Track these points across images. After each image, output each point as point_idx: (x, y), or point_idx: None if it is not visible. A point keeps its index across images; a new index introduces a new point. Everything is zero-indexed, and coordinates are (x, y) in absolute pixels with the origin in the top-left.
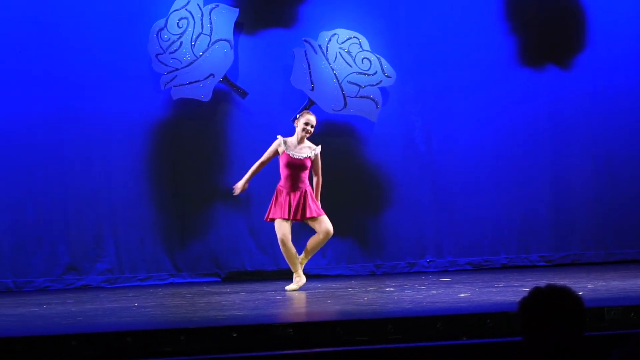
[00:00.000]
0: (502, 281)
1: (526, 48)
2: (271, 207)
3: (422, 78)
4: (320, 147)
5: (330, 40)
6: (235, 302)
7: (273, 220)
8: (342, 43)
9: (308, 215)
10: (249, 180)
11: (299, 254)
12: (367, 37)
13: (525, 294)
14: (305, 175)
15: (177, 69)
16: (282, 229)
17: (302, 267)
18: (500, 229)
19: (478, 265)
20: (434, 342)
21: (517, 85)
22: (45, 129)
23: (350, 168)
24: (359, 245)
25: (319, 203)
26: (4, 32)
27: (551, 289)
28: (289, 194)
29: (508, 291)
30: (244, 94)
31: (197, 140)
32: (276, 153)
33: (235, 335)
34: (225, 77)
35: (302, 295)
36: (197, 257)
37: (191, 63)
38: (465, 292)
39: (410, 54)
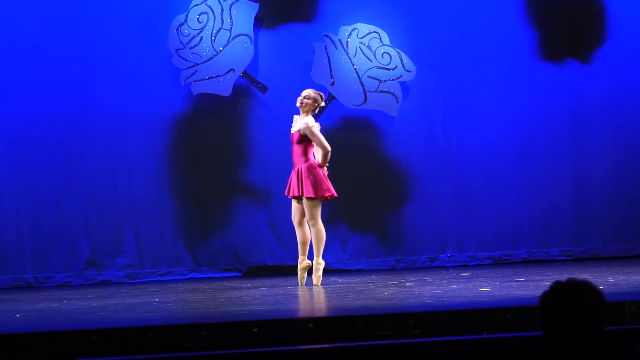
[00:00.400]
0: (523, 276)
1: (546, 42)
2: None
3: (442, 73)
4: (312, 119)
5: (350, 34)
6: (256, 297)
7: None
8: (362, 38)
9: (290, 194)
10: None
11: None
12: (387, 32)
13: (546, 289)
14: (298, 151)
15: (197, 64)
16: (292, 208)
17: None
18: (521, 223)
19: (498, 260)
20: (455, 336)
21: (537, 79)
22: (66, 125)
23: (370, 163)
24: (380, 240)
25: (325, 181)
26: (25, 30)
27: (572, 283)
28: (293, 170)
29: (528, 286)
30: (264, 88)
31: (217, 136)
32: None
33: (255, 330)
34: (245, 72)
35: (322, 290)
36: (217, 252)
37: (211, 58)
38: (485, 287)
39: (431, 49)
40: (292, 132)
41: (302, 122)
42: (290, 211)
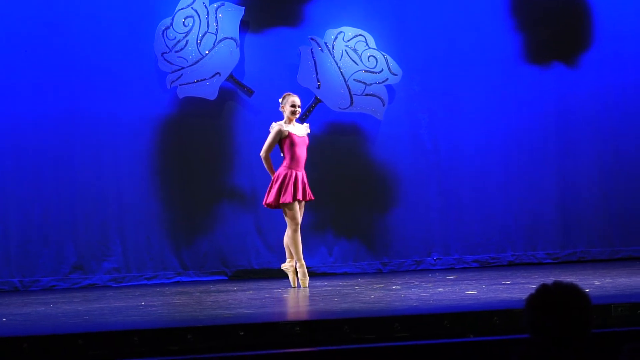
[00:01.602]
0: (509, 278)
1: (532, 45)
2: (283, 190)
3: (428, 76)
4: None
5: (336, 38)
6: (242, 300)
7: (285, 203)
8: (348, 41)
9: (309, 197)
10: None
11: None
12: (373, 35)
13: (533, 292)
14: (305, 155)
15: (183, 68)
16: (298, 211)
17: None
18: (507, 226)
19: (485, 263)
20: (441, 339)
21: (523, 82)
22: (52, 129)
23: (356, 166)
24: (366, 244)
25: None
26: (11, 35)
27: (558, 286)
28: (295, 173)
29: (515, 288)
30: (250, 92)
31: (204, 139)
32: (279, 136)
33: (242, 333)
34: (231, 76)
35: (308, 293)
36: (203, 256)
37: (197, 62)
38: (472, 290)
39: (416, 52)
40: (301, 135)
41: (304, 126)
42: (275, 215)
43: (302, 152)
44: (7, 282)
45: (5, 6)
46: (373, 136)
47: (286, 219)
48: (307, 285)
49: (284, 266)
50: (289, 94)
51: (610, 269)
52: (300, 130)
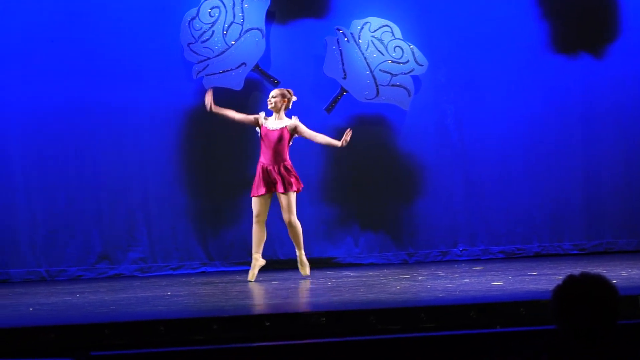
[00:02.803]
0: (535, 269)
1: (559, 34)
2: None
3: (454, 66)
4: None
5: (362, 28)
6: (268, 290)
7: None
8: (375, 31)
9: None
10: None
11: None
12: (399, 25)
13: (560, 282)
14: (282, 148)
15: (209, 58)
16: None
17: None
18: (533, 217)
19: (511, 254)
20: (467, 330)
21: (549, 72)
22: (78, 119)
23: (382, 157)
24: (392, 234)
25: None
26: (37, 25)
27: (585, 277)
28: (262, 168)
29: (541, 279)
30: (276, 82)
31: (229, 129)
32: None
33: (268, 323)
34: (257, 66)
35: (334, 283)
36: (229, 246)
37: (223, 52)
38: (498, 281)
39: (442, 42)
40: (272, 129)
41: (284, 120)
42: (299, 206)
43: (268, 146)
44: (34, 272)
45: None
46: (399, 127)
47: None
48: (251, 279)
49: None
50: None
51: (637, 260)
52: (275, 124)
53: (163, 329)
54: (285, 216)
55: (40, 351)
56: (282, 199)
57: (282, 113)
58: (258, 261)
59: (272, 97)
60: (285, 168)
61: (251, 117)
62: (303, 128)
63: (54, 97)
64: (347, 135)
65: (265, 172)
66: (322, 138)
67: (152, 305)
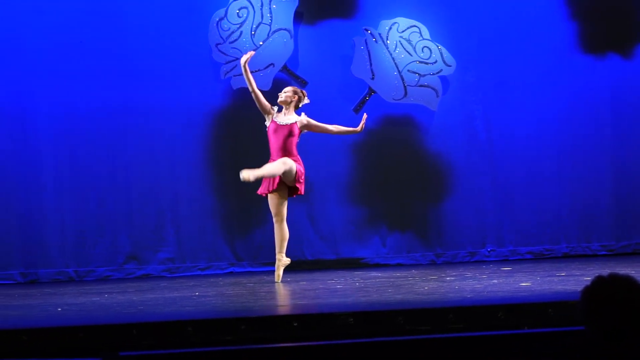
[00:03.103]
0: (564, 270)
1: (587, 35)
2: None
3: (482, 66)
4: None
5: (390, 29)
6: (296, 291)
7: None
8: (403, 32)
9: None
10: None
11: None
12: (427, 26)
13: (588, 283)
14: (291, 144)
15: (237, 59)
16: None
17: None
18: (562, 217)
19: (539, 255)
20: (495, 331)
21: (578, 72)
22: (107, 119)
23: (410, 157)
24: (420, 235)
25: None
26: (67, 25)
27: (614, 278)
28: None
29: (569, 280)
30: (304, 83)
31: (258, 130)
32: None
33: (296, 324)
34: (285, 67)
35: (362, 284)
36: (258, 246)
37: None
38: (526, 282)
39: (470, 42)
40: (281, 123)
41: (294, 116)
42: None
43: (276, 141)
44: (62, 272)
45: None
46: (427, 127)
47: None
48: (277, 280)
49: (285, 261)
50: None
51: None
52: (285, 119)
53: (191, 330)
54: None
55: (69, 351)
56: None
57: (292, 110)
58: (281, 261)
59: (284, 92)
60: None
61: (266, 103)
62: (314, 122)
63: (84, 98)
64: (363, 120)
65: None
66: (336, 128)
67: (180, 305)
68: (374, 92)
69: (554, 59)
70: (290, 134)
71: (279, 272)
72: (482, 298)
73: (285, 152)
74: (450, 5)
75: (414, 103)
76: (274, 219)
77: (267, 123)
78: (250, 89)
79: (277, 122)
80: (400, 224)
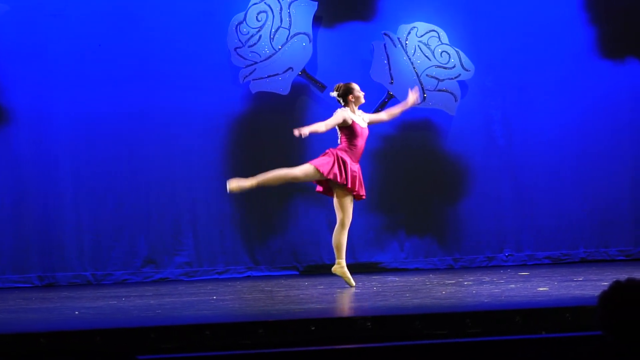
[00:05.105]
0: (581, 275)
1: (606, 40)
2: (340, 170)
3: (501, 71)
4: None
5: (409, 33)
6: (314, 295)
7: (341, 184)
8: (421, 36)
9: (363, 193)
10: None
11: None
12: (445, 31)
13: (606, 288)
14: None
15: (256, 63)
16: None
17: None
18: (580, 222)
19: (557, 260)
20: (513, 336)
21: (596, 77)
22: (126, 123)
23: (429, 162)
24: (438, 239)
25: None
26: (86, 29)
27: (632, 283)
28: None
29: (587, 285)
30: (322, 87)
31: (276, 134)
32: (344, 122)
33: (313, 328)
34: (304, 71)
35: (380, 288)
36: (276, 251)
37: (270, 56)
38: (544, 286)
39: (489, 47)
40: (363, 126)
41: (363, 115)
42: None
43: (361, 144)
44: (79, 275)
45: (81, 2)
46: (445, 132)
47: (340, 210)
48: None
49: (335, 269)
50: (349, 84)
51: None
52: (362, 121)
53: (209, 333)
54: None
55: (86, 355)
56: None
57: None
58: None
59: (359, 91)
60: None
61: (337, 120)
62: (372, 116)
63: (102, 101)
64: (414, 92)
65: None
66: (387, 115)
67: (197, 309)
68: (393, 96)
69: (572, 64)
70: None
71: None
72: (499, 303)
73: (360, 156)
74: (468, 10)
75: (433, 108)
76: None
77: (349, 126)
78: (325, 130)
79: (360, 125)
80: (418, 229)
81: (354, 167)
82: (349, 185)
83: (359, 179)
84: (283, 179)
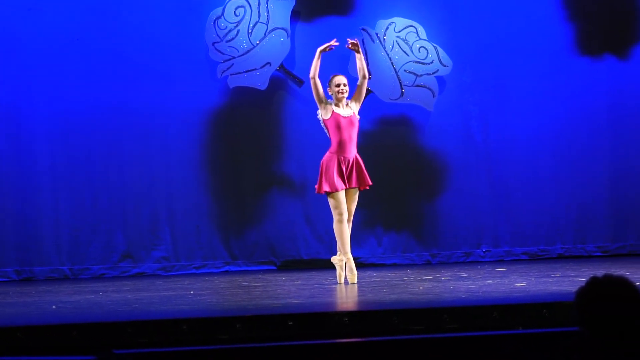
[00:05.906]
0: (559, 271)
1: (584, 36)
2: (326, 179)
3: (479, 67)
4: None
5: (387, 28)
6: (291, 290)
7: (330, 193)
8: (399, 32)
9: (357, 184)
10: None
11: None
12: (424, 26)
13: (582, 284)
14: (355, 137)
15: (233, 57)
16: (341, 200)
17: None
18: (557, 218)
19: (534, 255)
20: (490, 331)
21: (574, 74)
22: (103, 118)
23: (406, 157)
24: (415, 235)
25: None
26: (62, 24)
27: (608, 279)
28: (339, 159)
29: (564, 281)
30: (300, 82)
31: (254, 129)
32: (325, 103)
33: (290, 323)
34: (281, 66)
35: (358, 284)
36: (253, 245)
37: (248, 51)
38: (521, 282)
39: (467, 43)
40: (346, 116)
41: (352, 107)
42: (323, 205)
43: (348, 133)
44: (57, 269)
45: None
46: (423, 127)
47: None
48: (355, 281)
49: (333, 259)
50: (333, 75)
51: None
52: (346, 112)
53: (186, 328)
54: (352, 210)
55: (63, 349)
56: (354, 193)
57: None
58: (350, 260)
59: (344, 84)
60: (359, 160)
61: (323, 93)
62: (357, 98)
63: (79, 97)
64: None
65: (340, 163)
66: (360, 79)
67: (174, 304)
68: (371, 91)
69: (551, 60)
70: (354, 126)
71: (352, 273)
72: (476, 298)
73: (353, 147)
74: (447, 6)
75: (411, 103)
76: (338, 218)
77: (326, 116)
78: (311, 74)
79: (341, 115)
80: (396, 224)
81: (343, 165)
82: (322, 191)
83: (356, 170)
84: (341, 227)
